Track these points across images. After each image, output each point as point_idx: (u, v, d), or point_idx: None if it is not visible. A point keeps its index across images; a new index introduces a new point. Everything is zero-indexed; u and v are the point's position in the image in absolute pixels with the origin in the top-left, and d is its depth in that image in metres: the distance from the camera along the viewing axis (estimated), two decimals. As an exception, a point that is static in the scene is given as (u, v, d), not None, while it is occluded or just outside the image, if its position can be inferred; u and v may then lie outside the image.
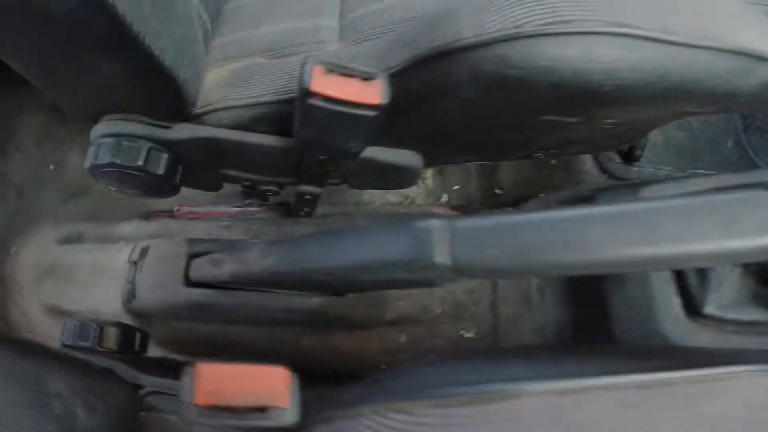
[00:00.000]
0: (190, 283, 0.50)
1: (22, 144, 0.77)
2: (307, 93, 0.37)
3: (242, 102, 0.47)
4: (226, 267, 0.42)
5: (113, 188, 0.52)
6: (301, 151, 0.48)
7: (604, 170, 0.80)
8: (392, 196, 0.76)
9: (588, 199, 0.59)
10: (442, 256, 0.31)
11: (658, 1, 0.37)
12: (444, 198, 0.76)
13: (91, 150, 0.48)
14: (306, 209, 0.64)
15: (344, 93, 0.37)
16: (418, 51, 0.38)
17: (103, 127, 0.47)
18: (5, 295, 0.73)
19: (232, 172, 0.56)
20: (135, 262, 0.58)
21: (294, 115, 0.45)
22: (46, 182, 0.78)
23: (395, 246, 0.31)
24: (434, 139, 0.51)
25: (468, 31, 0.35)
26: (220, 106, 0.48)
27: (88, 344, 0.49)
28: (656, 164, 0.79)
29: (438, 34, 0.37)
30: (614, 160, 0.82)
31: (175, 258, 0.51)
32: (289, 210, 0.69)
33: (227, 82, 0.49)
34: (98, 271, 0.64)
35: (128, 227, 0.68)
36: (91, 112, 0.49)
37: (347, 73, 0.38)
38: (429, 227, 0.31)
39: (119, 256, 0.63)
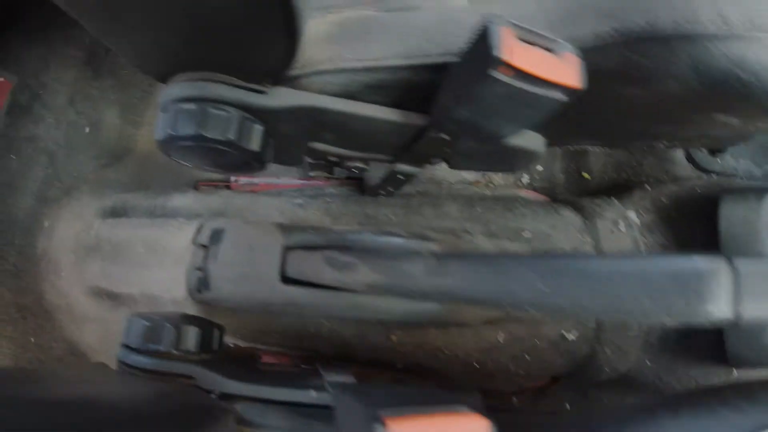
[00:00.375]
0: (286, 278, 0.43)
1: (51, 103, 0.67)
2: (494, 61, 0.28)
3: (358, 64, 0.39)
4: (362, 276, 0.35)
5: (187, 163, 0.44)
6: (429, 129, 0.40)
7: (689, 159, 0.75)
8: (468, 173, 0.68)
9: (712, 200, 0.53)
10: (721, 309, 0.24)
11: None
12: (525, 178, 0.68)
13: (164, 117, 0.39)
14: (389, 188, 0.57)
15: (539, 68, 0.29)
16: (628, 27, 0.30)
17: (180, 88, 0.38)
18: (39, 275, 0.66)
19: (322, 146, 0.48)
20: (205, 246, 0.51)
21: (429, 85, 0.37)
22: (81, 146, 0.69)
23: (663, 294, 0.24)
24: (576, 122, 0.43)
25: (706, 17, 0.28)
26: (328, 67, 0.39)
27: (161, 347, 0.43)
28: (736, 157, 0.75)
29: (664, 11, 0.29)
30: (701, 150, 0.77)
31: (267, 249, 0.43)
32: (360, 185, 0.62)
33: (335, 37, 0.40)
34: (155, 251, 0.57)
35: (183, 200, 0.60)
36: (164, 65, 0.39)
37: (537, 41, 0.30)
38: (706, 273, 0.24)
39: (180, 235, 0.55)
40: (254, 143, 0.39)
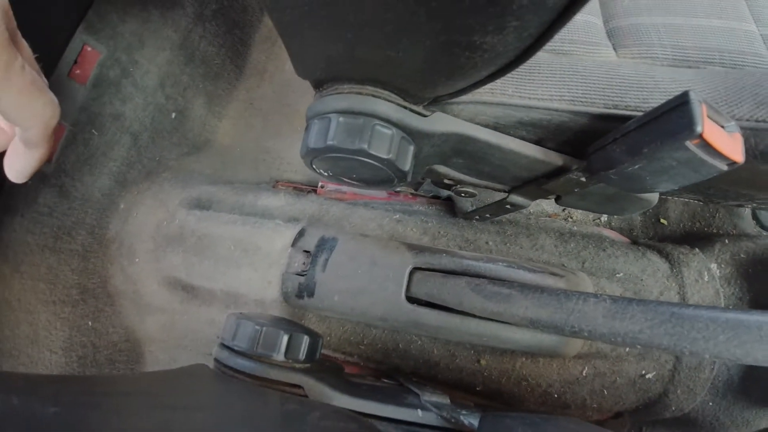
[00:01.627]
0: (410, 298, 0.43)
1: (142, 83, 0.66)
2: (693, 134, 0.30)
3: (519, 101, 0.39)
4: (522, 308, 0.35)
5: (325, 173, 0.44)
6: (569, 170, 0.41)
7: (754, 217, 0.78)
8: (548, 205, 0.69)
9: None
10: None
11: None
12: (604, 217, 0.70)
13: (323, 126, 0.39)
14: (487, 216, 0.58)
15: (721, 144, 0.30)
16: None
17: (345, 100, 0.38)
18: (107, 258, 0.64)
19: (444, 169, 0.48)
20: (309, 253, 0.50)
21: (581, 130, 0.38)
22: (166, 132, 0.68)
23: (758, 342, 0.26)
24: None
25: None
26: (487, 99, 0.40)
27: (274, 354, 0.42)
28: None
29: None
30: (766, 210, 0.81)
31: (393, 266, 0.44)
32: (452, 207, 0.62)
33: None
34: (246, 250, 0.56)
35: (275, 200, 0.60)
36: (329, 73, 0.39)
37: (716, 119, 0.31)
38: None
39: (276, 237, 0.55)
40: (407, 163, 0.40)
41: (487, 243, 0.55)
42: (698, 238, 0.65)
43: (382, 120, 0.38)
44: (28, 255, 0.60)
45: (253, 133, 0.71)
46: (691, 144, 0.31)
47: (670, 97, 0.35)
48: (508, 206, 0.53)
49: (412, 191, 0.65)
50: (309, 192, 0.64)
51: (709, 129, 0.31)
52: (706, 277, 0.58)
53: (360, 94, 0.38)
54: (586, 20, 0.46)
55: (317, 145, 0.39)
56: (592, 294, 0.32)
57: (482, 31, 0.26)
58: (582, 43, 0.44)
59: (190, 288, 0.60)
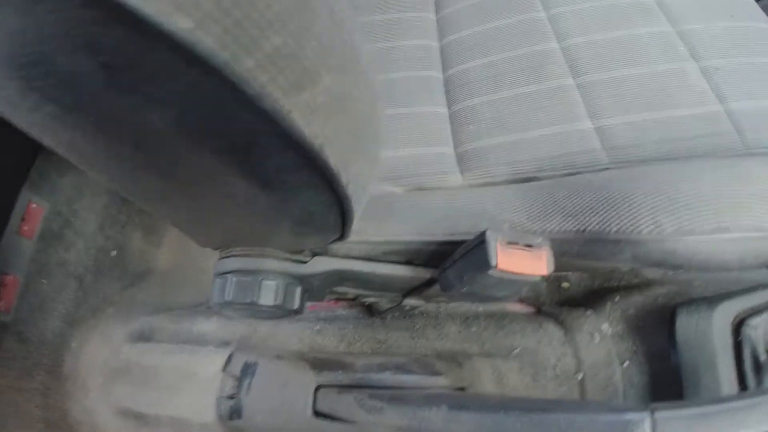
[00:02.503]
0: (317, 413, 0.50)
1: (82, 230, 0.74)
2: (490, 266, 0.38)
3: (379, 238, 0.48)
4: (390, 418, 0.42)
5: (235, 316, 0.51)
6: (435, 281, 0.50)
7: None
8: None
9: (669, 311, 0.63)
10: None
11: None
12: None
13: (221, 285, 0.47)
14: (397, 313, 0.65)
15: (520, 267, 0.39)
16: (587, 227, 0.41)
17: (237, 262, 0.47)
18: (64, 394, 0.70)
19: (343, 289, 0.56)
20: (237, 377, 0.57)
21: (435, 252, 0.47)
22: (108, 269, 0.75)
23: None
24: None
25: (646, 227, 0.38)
26: (354, 239, 0.48)
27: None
28: None
29: (613, 219, 0.40)
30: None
31: (299, 386, 0.50)
32: (369, 308, 0.70)
33: (363, 214, 0.49)
34: (184, 376, 0.62)
35: (209, 325, 0.67)
36: (220, 244, 0.48)
37: (520, 241, 0.40)
38: (634, 423, 0.33)
39: (209, 363, 0.61)
40: (296, 302, 0.47)
41: (396, 341, 0.62)
42: (597, 298, 0.73)
43: (268, 273, 0.46)
44: (-1, 394, 0.66)
45: (190, 255, 0.79)
46: (495, 272, 0.39)
47: (494, 221, 0.44)
48: (407, 308, 0.61)
49: (337, 297, 0.72)
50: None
51: (504, 260, 0.39)
52: (597, 338, 0.66)
53: (248, 255, 0.46)
54: (437, 152, 0.56)
55: (219, 300, 0.46)
56: (437, 399, 0.40)
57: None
58: (433, 174, 0.53)
59: (140, 416, 0.65)
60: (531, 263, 0.40)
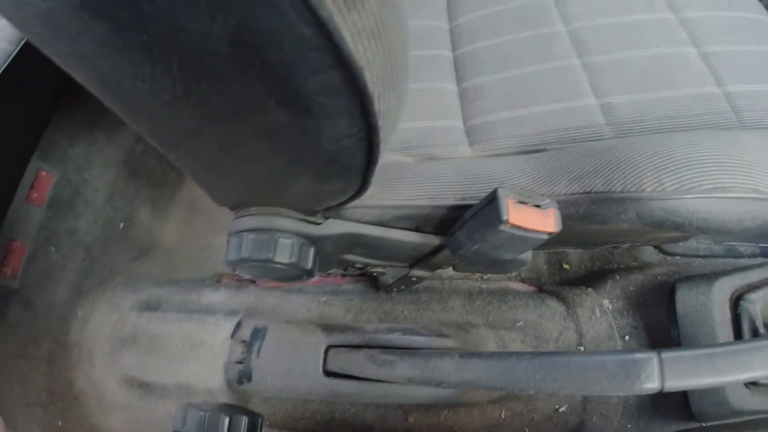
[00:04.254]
0: (327, 372, 0.51)
1: (92, 200, 0.74)
2: (502, 221, 0.39)
3: (392, 202, 0.49)
4: (402, 370, 0.43)
5: (249, 276, 0.52)
6: (444, 248, 0.51)
7: (655, 246, 0.88)
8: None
9: (671, 285, 0.65)
10: (653, 384, 0.34)
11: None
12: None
13: (236, 243, 0.48)
14: (402, 287, 0.66)
15: (530, 222, 0.40)
16: (593, 189, 0.42)
17: (252, 221, 0.48)
18: (70, 362, 0.70)
19: (352, 257, 0.57)
20: (246, 342, 0.58)
21: (445, 218, 0.48)
22: (116, 241, 0.76)
23: (616, 378, 0.35)
24: (554, 241, 0.55)
25: (649, 186, 0.40)
26: (367, 203, 0.50)
27: (216, 437, 0.49)
28: (698, 239, 0.88)
29: (618, 179, 0.41)
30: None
31: (311, 346, 0.52)
32: (374, 283, 0.71)
33: (375, 178, 0.50)
34: (192, 344, 0.63)
35: (216, 296, 0.68)
36: (239, 202, 0.49)
37: (529, 202, 0.41)
38: (642, 362, 0.35)
39: (218, 331, 0.62)
40: (309, 263, 0.49)
41: (402, 312, 0.63)
42: (597, 278, 0.75)
43: (283, 232, 0.47)
44: (2, 361, 0.66)
45: (197, 231, 0.80)
46: (506, 227, 0.41)
47: (503, 185, 0.46)
48: (413, 279, 0.63)
49: (342, 272, 0.73)
50: (249, 283, 0.71)
51: (515, 215, 0.40)
52: (599, 313, 0.68)
53: (264, 214, 0.47)
54: (447, 125, 0.57)
55: (235, 257, 0.48)
56: (447, 352, 0.41)
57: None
58: (443, 145, 0.55)
59: (146, 385, 0.66)
60: (541, 219, 0.41)
